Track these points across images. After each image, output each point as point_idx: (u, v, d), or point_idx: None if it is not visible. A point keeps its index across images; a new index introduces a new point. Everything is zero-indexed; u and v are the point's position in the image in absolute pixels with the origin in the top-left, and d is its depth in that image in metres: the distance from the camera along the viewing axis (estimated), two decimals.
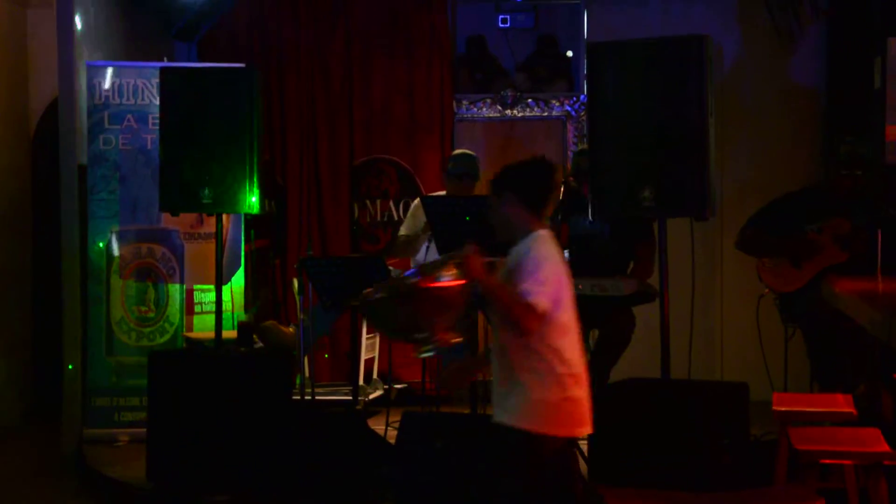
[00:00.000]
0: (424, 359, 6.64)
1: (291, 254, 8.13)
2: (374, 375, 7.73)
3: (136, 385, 6.91)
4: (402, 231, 6.95)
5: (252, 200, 5.99)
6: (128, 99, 7.12)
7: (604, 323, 6.06)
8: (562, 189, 5.97)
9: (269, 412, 5.87)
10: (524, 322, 3.75)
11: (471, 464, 5.09)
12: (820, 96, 7.99)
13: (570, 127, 8.25)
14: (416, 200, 6.88)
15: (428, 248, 6.16)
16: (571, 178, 6.32)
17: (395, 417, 5.93)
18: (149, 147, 7.06)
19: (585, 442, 5.34)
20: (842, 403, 5.01)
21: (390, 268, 6.11)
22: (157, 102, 6.30)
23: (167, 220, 7.02)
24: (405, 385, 7.65)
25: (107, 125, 7.11)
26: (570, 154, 8.06)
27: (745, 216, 6.46)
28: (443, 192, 6.84)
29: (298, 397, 6.66)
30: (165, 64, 6.97)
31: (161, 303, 7.15)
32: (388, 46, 8.26)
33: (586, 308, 5.72)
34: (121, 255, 7.10)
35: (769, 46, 7.91)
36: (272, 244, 8.26)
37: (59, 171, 7.05)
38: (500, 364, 3.91)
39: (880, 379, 5.54)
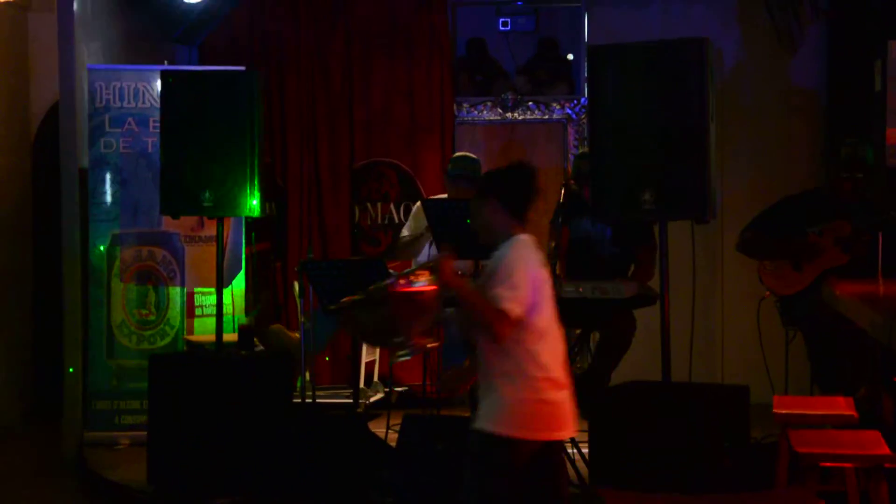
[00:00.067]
0: (425, 361, 6.67)
1: (292, 256, 8.13)
2: (375, 378, 7.73)
3: (136, 388, 6.91)
4: (404, 233, 6.96)
5: (253, 203, 5.99)
6: (128, 102, 7.13)
7: (604, 326, 6.06)
8: (563, 192, 5.97)
9: (269, 415, 5.87)
10: (496, 328, 3.78)
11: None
12: (820, 98, 7.99)
13: (570, 130, 8.25)
14: (419, 202, 6.89)
15: (430, 249, 6.16)
16: (572, 181, 6.32)
17: (396, 420, 5.94)
18: (149, 150, 7.06)
19: (586, 444, 5.35)
20: (842, 406, 5.00)
21: (391, 270, 6.11)
22: (158, 105, 6.30)
23: (168, 224, 7.01)
24: (406, 388, 7.65)
25: (107, 128, 7.12)
26: (570, 157, 8.07)
27: (745, 219, 6.46)
28: (444, 195, 6.84)
29: (299, 400, 6.66)
30: (166, 67, 6.97)
31: (162, 306, 7.15)
32: (389, 49, 8.26)
33: (587, 311, 5.78)
34: (121, 259, 7.10)
35: (769, 48, 7.91)
36: (273, 247, 8.25)
37: (60, 174, 7.05)
38: (480, 369, 3.95)
39: (881, 382, 5.54)
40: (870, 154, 6.29)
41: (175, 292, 7.15)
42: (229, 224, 6.99)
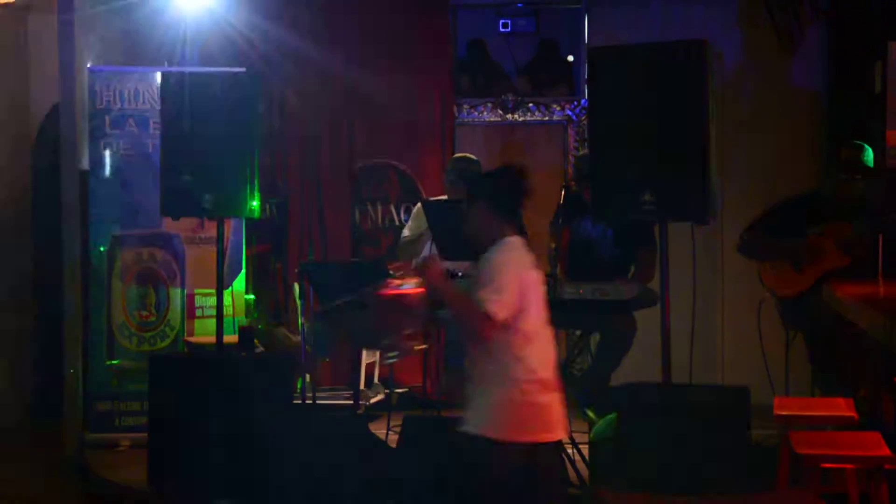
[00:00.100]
0: (425, 362, 6.68)
1: (292, 258, 8.13)
2: (376, 379, 7.72)
3: (137, 389, 6.91)
4: (406, 233, 6.96)
5: (253, 205, 5.99)
6: (129, 103, 7.13)
7: (605, 327, 6.06)
8: (563, 193, 5.97)
9: (270, 416, 5.87)
10: (480, 330, 3.79)
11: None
12: (821, 99, 7.98)
13: (570, 131, 8.25)
14: (419, 203, 6.89)
15: (430, 249, 6.16)
16: (572, 183, 6.32)
17: (397, 421, 5.94)
18: (150, 151, 7.06)
19: (587, 446, 5.35)
20: (843, 407, 5.01)
21: (391, 272, 6.11)
22: (159, 107, 6.30)
23: (168, 225, 7.00)
24: (406, 389, 7.64)
25: (108, 130, 7.12)
26: (570, 158, 8.07)
27: (746, 220, 6.46)
28: (444, 196, 6.84)
29: (300, 401, 6.66)
30: (166, 68, 6.97)
31: (162, 307, 7.15)
32: (389, 50, 8.26)
33: (587, 312, 5.78)
34: (122, 260, 7.10)
35: (769, 49, 7.90)
36: (273, 248, 8.25)
37: (60, 174, 7.04)
38: (468, 371, 3.95)
39: (882, 383, 5.53)
40: (870, 156, 6.30)
41: (175, 293, 7.15)
42: (229, 225, 6.99)
